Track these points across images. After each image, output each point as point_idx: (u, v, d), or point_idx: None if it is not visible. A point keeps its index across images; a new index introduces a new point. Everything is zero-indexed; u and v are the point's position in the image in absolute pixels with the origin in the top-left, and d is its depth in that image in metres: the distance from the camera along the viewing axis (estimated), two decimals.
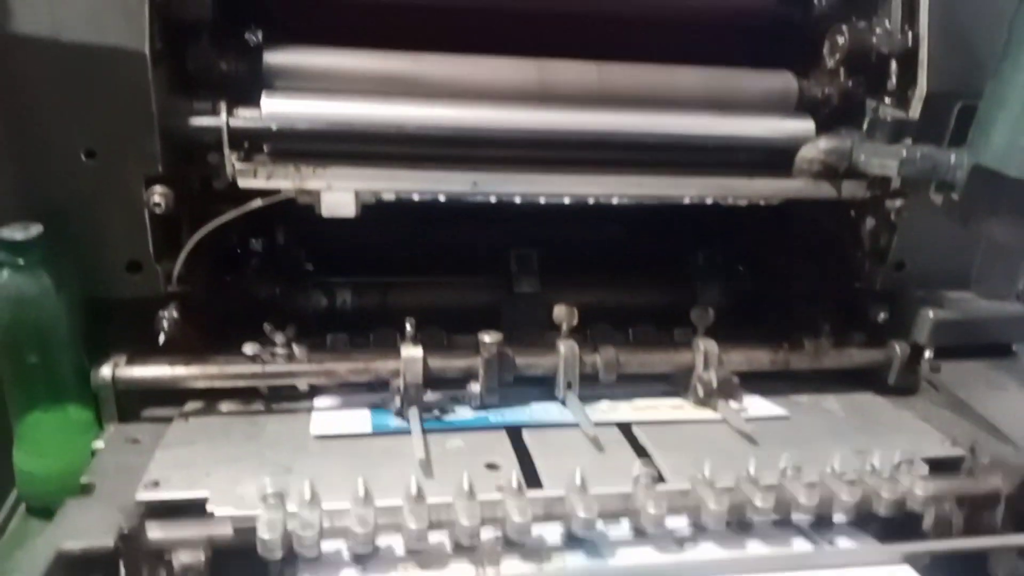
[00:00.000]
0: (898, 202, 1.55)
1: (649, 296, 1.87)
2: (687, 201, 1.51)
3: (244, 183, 1.32)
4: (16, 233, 1.25)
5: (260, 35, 1.49)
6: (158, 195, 1.30)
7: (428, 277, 1.84)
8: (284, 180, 1.33)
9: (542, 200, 1.49)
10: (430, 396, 1.46)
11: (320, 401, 1.48)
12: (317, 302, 1.75)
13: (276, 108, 1.39)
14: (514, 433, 1.39)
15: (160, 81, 1.27)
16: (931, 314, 1.60)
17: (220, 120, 1.33)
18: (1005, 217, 1.36)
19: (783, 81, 1.62)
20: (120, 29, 1.22)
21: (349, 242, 1.77)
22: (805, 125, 1.58)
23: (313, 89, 1.44)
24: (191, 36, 1.38)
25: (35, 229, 1.26)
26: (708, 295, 1.87)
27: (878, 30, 1.57)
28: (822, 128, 1.59)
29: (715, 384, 1.51)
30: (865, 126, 1.48)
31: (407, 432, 1.35)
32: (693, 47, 1.64)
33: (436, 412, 1.45)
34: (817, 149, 1.49)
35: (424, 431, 1.36)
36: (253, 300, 1.66)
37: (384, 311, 1.74)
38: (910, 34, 1.50)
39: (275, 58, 1.44)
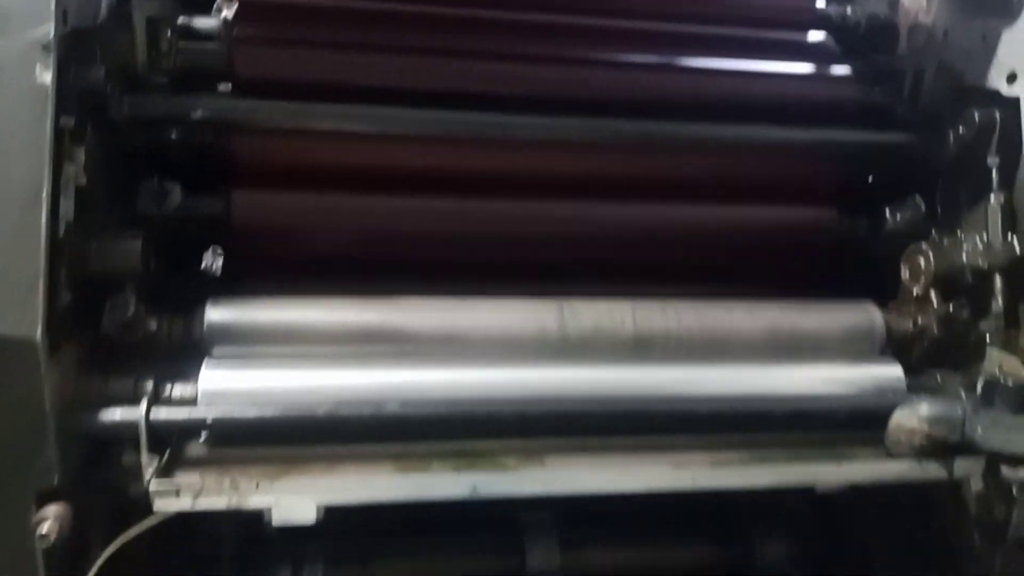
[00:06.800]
0: (1021, 471, 1.20)
1: (693, 557, 1.50)
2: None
3: (162, 505, 0.98)
4: None
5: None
6: (51, 520, 0.96)
7: (423, 539, 1.47)
8: (217, 499, 0.99)
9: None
10: None
11: None
12: None
13: (216, 384, 1.07)
14: None
15: (63, 366, 0.97)
16: None
17: (137, 413, 1.01)
18: None
19: (865, 315, 1.30)
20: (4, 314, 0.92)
21: None
22: (892, 372, 1.26)
23: (267, 355, 1.13)
24: (114, 293, 1.08)
25: None
26: (768, 555, 1.49)
27: (967, 246, 1.30)
28: (911, 372, 1.27)
29: None
30: (979, 389, 1.15)
31: None
32: (746, 274, 1.35)
33: None
34: (918, 418, 1.15)
35: None
36: None
37: None
38: (1015, 241, 1.23)
39: (220, 314, 1.14)
